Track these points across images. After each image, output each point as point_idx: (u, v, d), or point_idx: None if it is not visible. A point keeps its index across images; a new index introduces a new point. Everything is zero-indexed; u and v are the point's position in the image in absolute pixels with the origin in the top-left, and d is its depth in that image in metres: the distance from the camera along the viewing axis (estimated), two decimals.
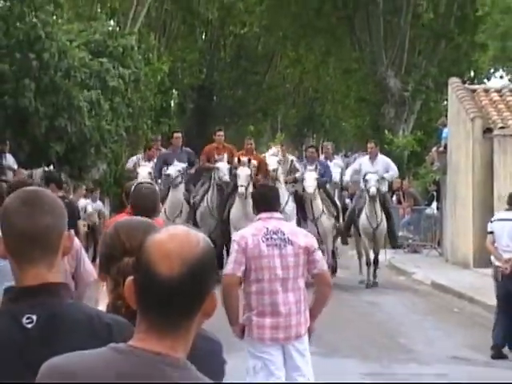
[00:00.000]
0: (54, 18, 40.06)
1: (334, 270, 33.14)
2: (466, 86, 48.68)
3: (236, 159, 30.59)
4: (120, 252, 5.70)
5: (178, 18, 58.43)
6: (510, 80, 56.91)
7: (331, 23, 62.68)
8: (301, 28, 62.94)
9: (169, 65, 49.92)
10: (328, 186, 33.50)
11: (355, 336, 25.16)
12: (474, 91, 46.51)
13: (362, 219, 32.47)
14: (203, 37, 62.28)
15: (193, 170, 33.01)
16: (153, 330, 4.27)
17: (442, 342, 25.15)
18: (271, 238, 14.33)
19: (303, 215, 31.60)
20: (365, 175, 32.24)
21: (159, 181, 30.90)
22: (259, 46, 63.20)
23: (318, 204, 30.80)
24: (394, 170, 34.96)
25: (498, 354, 23.97)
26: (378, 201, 32.89)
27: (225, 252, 30.93)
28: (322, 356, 22.75)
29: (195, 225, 28.87)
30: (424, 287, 31.72)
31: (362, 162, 34.75)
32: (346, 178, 35.16)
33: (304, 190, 31.11)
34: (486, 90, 47.32)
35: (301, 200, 31.95)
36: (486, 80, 58.77)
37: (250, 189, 28.98)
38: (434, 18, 61.15)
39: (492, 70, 60.68)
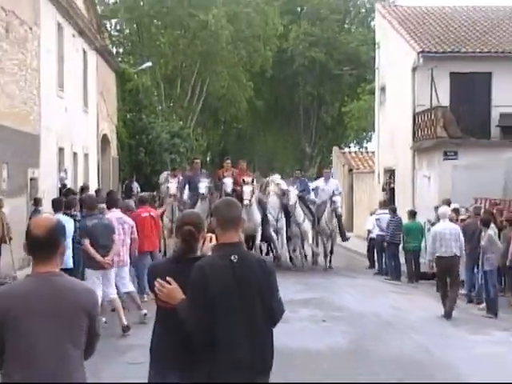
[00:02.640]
0: (154, 119, 40.15)
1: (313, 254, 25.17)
2: (341, 150, 48.76)
3: (242, 180, 23.16)
4: (182, 224, 5.75)
5: (210, 120, 58.35)
6: (358, 148, 56.90)
7: (281, 123, 62.80)
8: (266, 126, 63.04)
9: (206, 141, 49.75)
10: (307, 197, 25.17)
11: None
12: (344, 153, 46.64)
13: (322, 224, 24.37)
14: (222, 127, 61.91)
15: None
16: (40, 262, 4.65)
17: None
18: (120, 219, 14.12)
19: (288, 221, 24.04)
20: (332, 196, 23.99)
21: (184, 192, 23.89)
22: (247, 133, 62.89)
23: (300, 213, 23.64)
24: (340, 189, 26.43)
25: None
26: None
27: None
28: None
29: None
30: None
31: (319, 183, 26.22)
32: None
33: (288, 201, 23.33)
34: (350, 152, 47.53)
35: (287, 210, 23.91)
36: (349, 148, 58.42)
37: (253, 200, 22.92)
38: (326, 119, 61.30)
39: (352, 144, 60.59)
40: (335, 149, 48.00)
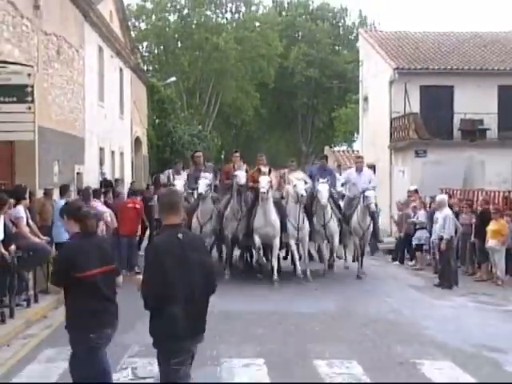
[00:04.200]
0: (178, 124, 40.14)
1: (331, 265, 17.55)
2: (331, 149, 48.73)
3: (257, 169, 16.22)
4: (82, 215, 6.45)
5: (224, 124, 58.23)
6: (346, 148, 56.54)
7: (283, 127, 62.54)
8: (270, 129, 62.67)
9: (221, 142, 49.77)
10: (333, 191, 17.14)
11: None
12: (334, 151, 46.60)
13: (353, 222, 17.03)
14: (234, 130, 61.68)
15: (217, 182, 17.29)
16: None
17: None
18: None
19: (311, 219, 16.49)
20: (364, 191, 16.71)
21: (192, 192, 16.70)
22: (254, 135, 62.63)
23: (328, 211, 16.30)
24: (375, 182, 18.12)
25: None
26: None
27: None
28: None
29: (221, 227, 16.40)
30: None
31: (350, 173, 18.27)
32: (338, 188, 17.90)
33: (318, 201, 15.99)
34: (338, 151, 47.45)
35: (311, 206, 16.58)
36: (337, 147, 58.23)
37: (270, 193, 15.61)
38: (319, 124, 61.25)
39: (341, 144, 60.35)
40: (326, 148, 48.00)
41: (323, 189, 15.93)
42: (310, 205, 16.59)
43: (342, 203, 17.76)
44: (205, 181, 15.97)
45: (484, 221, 16.65)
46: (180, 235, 5.44)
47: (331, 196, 16.73)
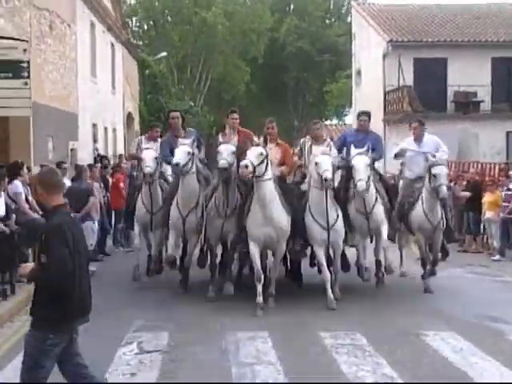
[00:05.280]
0: (169, 100, 39.99)
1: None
2: (323, 123, 48.69)
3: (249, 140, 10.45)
4: None
5: (215, 99, 57.95)
6: (337, 122, 56.56)
7: (274, 101, 62.28)
8: (262, 104, 62.53)
9: (213, 117, 49.54)
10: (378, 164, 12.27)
11: None
12: (326, 125, 46.49)
13: (417, 213, 11.35)
14: (225, 105, 61.16)
15: (202, 154, 11.67)
16: None
17: None
18: None
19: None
20: (431, 167, 10.89)
21: (167, 167, 12.19)
22: (245, 110, 62.17)
23: (372, 194, 10.67)
24: (444, 151, 11.77)
25: None
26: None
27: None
28: None
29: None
30: None
31: (408, 142, 12.22)
32: (392, 155, 12.45)
33: (355, 183, 10.30)
34: (331, 125, 47.60)
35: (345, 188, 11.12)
36: (328, 121, 58.20)
37: (269, 171, 10.05)
38: (310, 98, 61.07)
39: (332, 118, 60.34)
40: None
41: (360, 163, 10.49)
42: (343, 185, 11.41)
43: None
44: (183, 148, 10.75)
45: (476, 193, 16.74)
46: (72, 214, 5.48)
47: (374, 170, 11.35)
